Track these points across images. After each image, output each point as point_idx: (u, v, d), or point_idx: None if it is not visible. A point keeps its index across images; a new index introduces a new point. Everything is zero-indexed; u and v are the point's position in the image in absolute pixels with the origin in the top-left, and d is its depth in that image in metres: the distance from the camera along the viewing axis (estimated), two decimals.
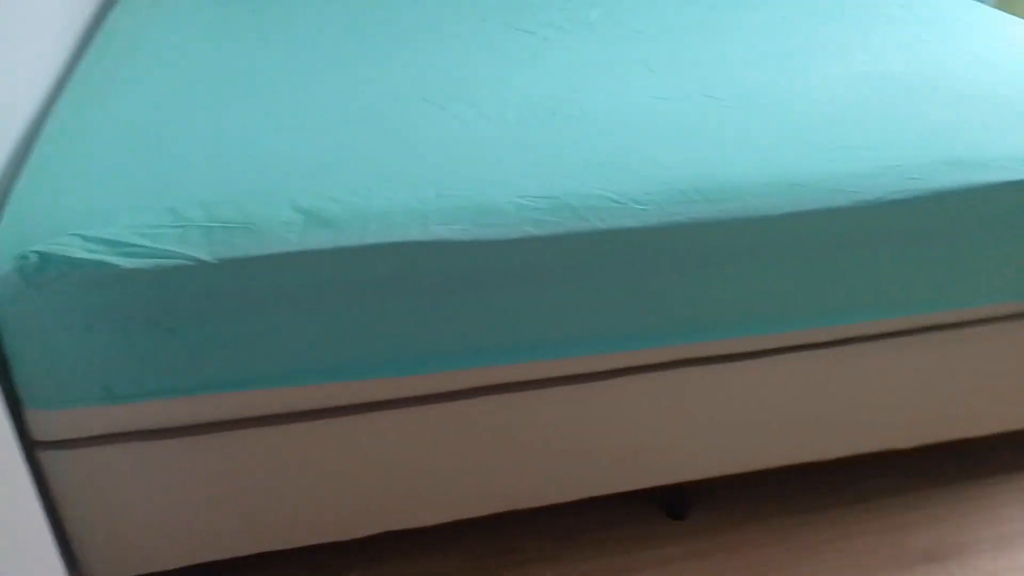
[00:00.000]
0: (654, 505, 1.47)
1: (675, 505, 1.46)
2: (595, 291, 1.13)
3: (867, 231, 1.19)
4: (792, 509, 1.48)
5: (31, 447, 1.05)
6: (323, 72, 1.44)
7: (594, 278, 1.12)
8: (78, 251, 0.96)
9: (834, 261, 1.21)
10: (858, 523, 1.46)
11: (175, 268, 0.97)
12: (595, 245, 1.09)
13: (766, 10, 1.84)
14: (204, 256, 0.98)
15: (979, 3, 1.95)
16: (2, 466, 0.88)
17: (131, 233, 0.98)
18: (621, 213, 1.10)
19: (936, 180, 1.20)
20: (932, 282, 1.27)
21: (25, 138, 1.26)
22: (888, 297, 1.27)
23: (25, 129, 1.28)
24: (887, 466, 1.55)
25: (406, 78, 1.43)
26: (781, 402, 1.33)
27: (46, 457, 1.06)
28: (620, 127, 1.27)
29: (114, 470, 1.10)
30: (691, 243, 1.13)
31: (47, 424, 1.05)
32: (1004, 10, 2.03)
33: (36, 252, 0.95)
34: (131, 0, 1.86)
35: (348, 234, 1.02)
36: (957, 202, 1.20)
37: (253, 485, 1.17)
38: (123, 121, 1.24)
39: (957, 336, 1.35)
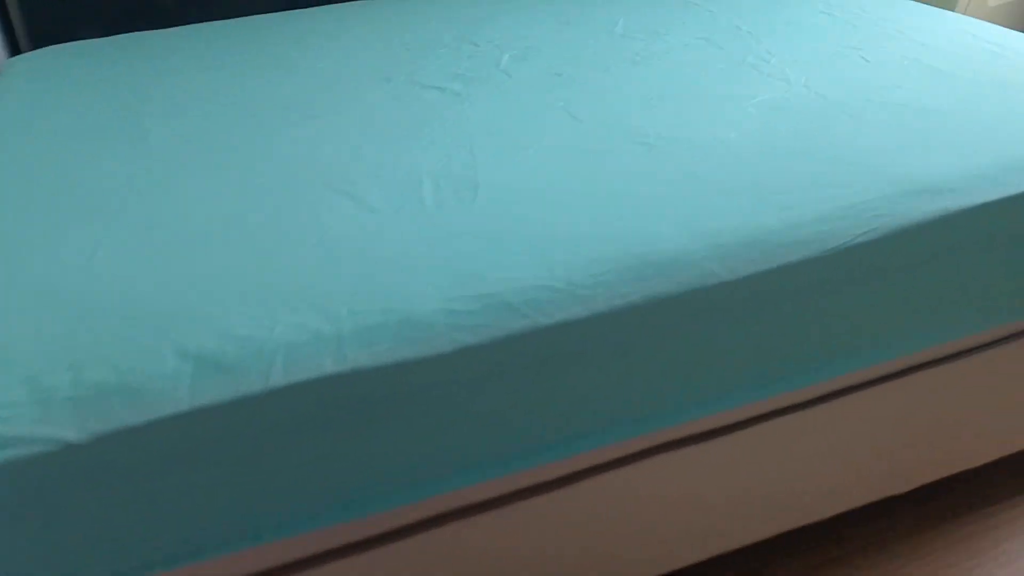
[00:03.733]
0: None
1: None
2: (547, 391, 0.99)
3: (841, 276, 1.07)
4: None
5: None
6: (206, 161, 1.26)
7: (544, 379, 0.97)
8: None
9: (811, 313, 1.09)
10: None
11: (36, 457, 0.79)
12: (541, 344, 0.95)
13: (687, 34, 1.73)
14: (72, 436, 0.80)
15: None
16: None
17: None
18: (566, 302, 0.95)
19: (903, 213, 1.08)
20: (917, 317, 1.16)
21: None
22: (874, 340, 1.15)
23: None
24: (884, 512, 1.44)
25: (303, 159, 1.26)
26: (768, 471, 1.21)
27: None
28: (551, 195, 1.13)
29: None
30: (646, 324, 0.99)
31: None
32: (931, 3, 1.96)
33: None
34: None
35: (250, 379, 0.85)
36: (931, 233, 1.09)
37: None
38: None
39: (944, 371, 1.24)
